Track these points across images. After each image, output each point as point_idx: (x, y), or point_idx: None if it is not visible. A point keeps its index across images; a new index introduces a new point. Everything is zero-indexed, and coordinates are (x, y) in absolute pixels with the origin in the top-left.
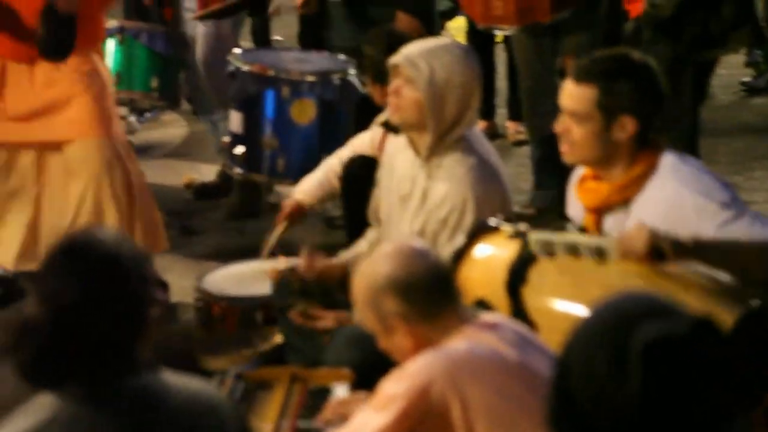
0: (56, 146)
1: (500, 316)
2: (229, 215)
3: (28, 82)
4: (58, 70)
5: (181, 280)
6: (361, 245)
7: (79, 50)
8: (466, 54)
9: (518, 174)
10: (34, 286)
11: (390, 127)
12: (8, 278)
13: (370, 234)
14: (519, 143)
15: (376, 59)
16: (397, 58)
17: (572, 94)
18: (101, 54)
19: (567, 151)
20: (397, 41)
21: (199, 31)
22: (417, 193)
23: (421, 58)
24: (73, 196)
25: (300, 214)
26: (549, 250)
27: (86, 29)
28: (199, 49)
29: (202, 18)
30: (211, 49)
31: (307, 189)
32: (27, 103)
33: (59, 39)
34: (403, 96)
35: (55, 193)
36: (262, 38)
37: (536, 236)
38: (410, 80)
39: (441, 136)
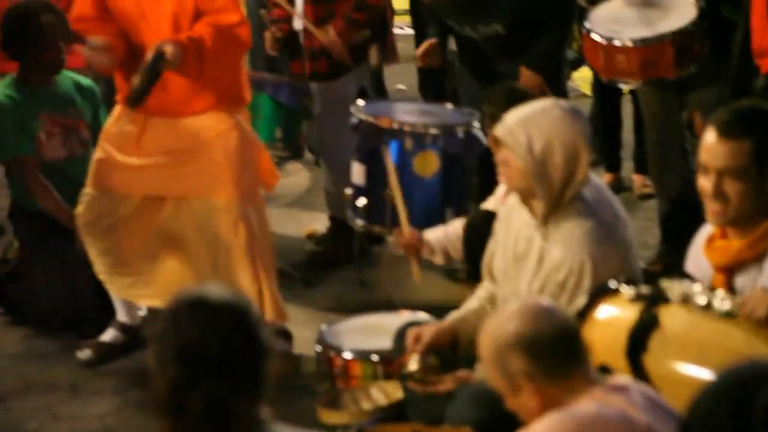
0: (191, 199)
1: (628, 378)
2: (318, 261)
3: (169, 136)
4: (198, 126)
5: (303, 332)
6: (472, 303)
7: (220, 107)
8: (566, 113)
9: (645, 228)
10: (163, 343)
11: None
12: (133, 327)
13: (481, 290)
14: (645, 197)
15: (496, 118)
16: (499, 130)
17: (723, 151)
18: (244, 113)
19: (720, 211)
20: (517, 99)
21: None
22: (533, 254)
23: (518, 127)
24: (204, 248)
25: (418, 245)
26: (682, 299)
27: (224, 86)
28: (319, 100)
29: (312, 78)
30: (331, 100)
31: (431, 232)
32: (164, 158)
33: (146, 89)
34: (509, 166)
35: (192, 243)
36: (378, 88)
37: (671, 286)
38: (512, 151)
39: (553, 200)
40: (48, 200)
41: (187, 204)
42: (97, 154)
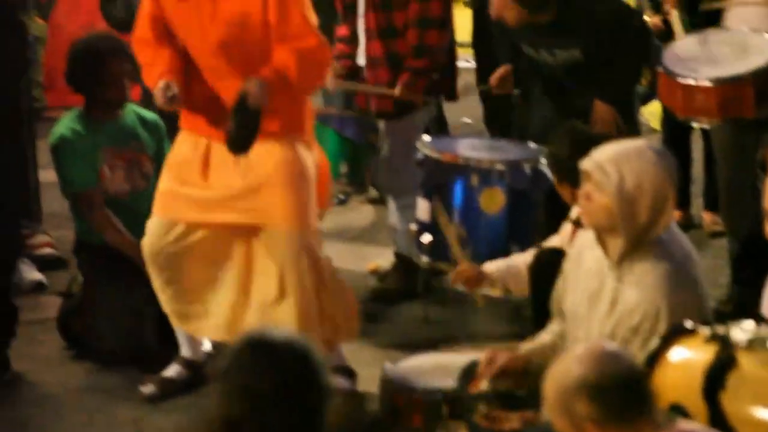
0: (254, 229)
1: (696, 424)
2: (382, 297)
3: (230, 164)
4: (260, 155)
5: (367, 370)
6: (543, 337)
7: (283, 137)
8: (659, 156)
9: (715, 267)
10: (226, 380)
11: (581, 224)
12: (197, 363)
13: (552, 326)
14: (716, 234)
15: (562, 159)
16: (587, 164)
17: None
18: (308, 142)
19: None
20: (584, 141)
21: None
22: (606, 295)
23: (610, 164)
24: (267, 277)
25: (479, 278)
26: (758, 345)
27: (289, 113)
28: (385, 137)
29: (378, 116)
30: (398, 137)
31: (492, 263)
32: (229, 184)
33: (245, 134)
34: (593, 201)
35: (255, 273)
36: (439, 122)
37: (745, 331)
38: (600, 186)
39: (633, 241)
40: (113, 233)
41: (249, 233)
42: (161, 184)
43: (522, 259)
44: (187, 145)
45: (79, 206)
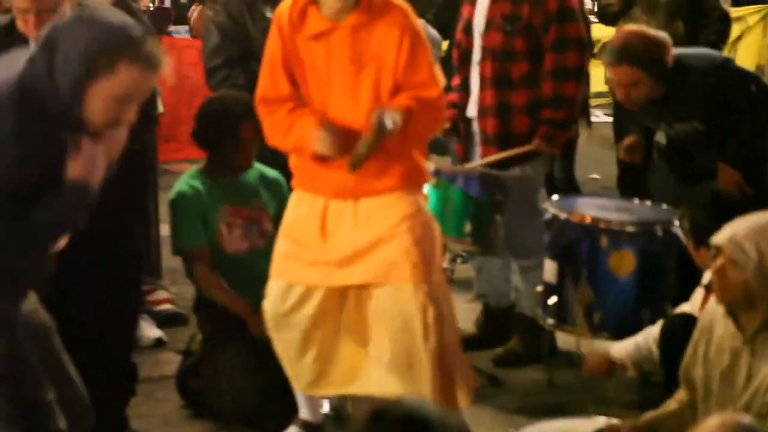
0: (372, 288)
1: None
2: (505, 360)
3: (350, 221)
4: (380, 209)
5: None
6: (670, 404)
7: (402, 189)
8: None
9: None
10: None
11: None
12: (316, 425)
13: (679, 394)
14: None
15: (697, 223)
16: (721, 239)
17: None
18: (425, 195)
19: None
20: (725, 208)
21: (507, 175)
22: (741, 370)
23: (748, 241)
24: (387, 336)
25: (607, 368)
26: None
27: (409, 164)
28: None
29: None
30: (519, 194)
31: (622, 346)
32: (348, 243)
33: (367, 155)
34: (728, 277)
35: (375, 331)
36: (568, 176)
37: None
38: (737, 264)
39: None
40: (218, 292)
41: (371, 291)
42: (279, 245)
43: (652, 337)
44: (304, 205)
45: (185, 263)
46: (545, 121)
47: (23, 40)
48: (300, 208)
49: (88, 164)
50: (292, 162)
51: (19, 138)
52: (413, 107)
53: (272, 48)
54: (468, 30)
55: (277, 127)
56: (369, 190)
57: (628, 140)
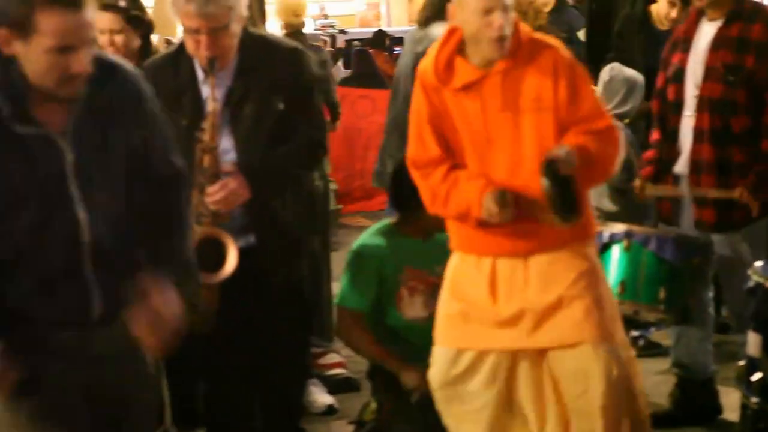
0: (550, 351)
1: None
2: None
3: (522, 281)
4: (553, 267)
5: None
6: None
7: (573, 243)
8: None
9: None
10: None
11: None
12: None
13: None
14: None
15: None
16: None
17: None
18: (595, 246)
19: None
20: None
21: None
22: None
23: None
24: (560, 408)
25: None
26: None
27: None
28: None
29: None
30: (722, 260)
31: None
32: (522, 305)
33: (570, 199)
34: None
35: (551, 396)
36: None
37: None
38: None
39: None
40: (365, 344)
41: (547, 355)
42: (443, 309)
43: None
44: (469, 267)
45: (339, 318)
46: (756, 173)
47: (190, 68)
48: (465, 270)
49: None
50: (450, 224)
51: None
52: (586, 143)
53: (417, 107)
54: (679, 78)
55: (434, 196)
56: (539, 246)
57: None
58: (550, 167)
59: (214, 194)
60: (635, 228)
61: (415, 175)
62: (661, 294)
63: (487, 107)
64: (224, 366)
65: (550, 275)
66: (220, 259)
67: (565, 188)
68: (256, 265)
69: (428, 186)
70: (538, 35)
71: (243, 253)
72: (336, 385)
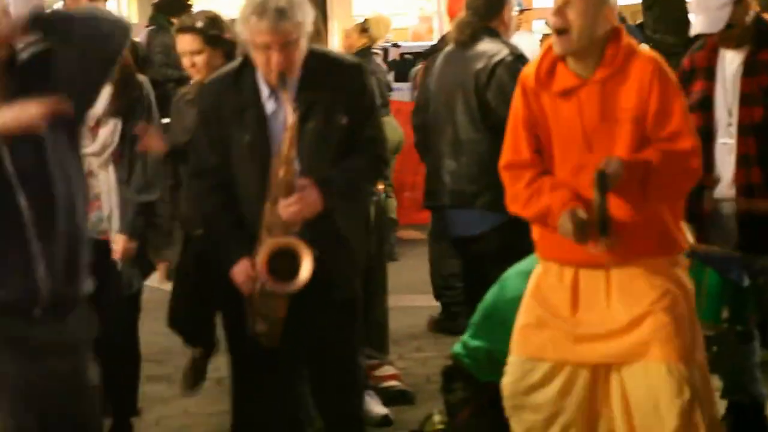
0: (624, 366)
1: None
2: None
3: (603, 294)
4: (635, 282)
5: None
6: None
7: (656, 258)
8: None
9: None
10: None
11: None
12: None
13: None
14: None
15: None
16: None
17: None
18: (684, 268)
19: None
20: None
21: None
22: None
23: None
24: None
25: None
26: None
27: (664, 227)
28: None
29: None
30: None
31: None
32: (603, 318)
33: (602, 215)
34: None
35: (620, 414)
36: None
37: None
38: None
39: None
40: None
41: (621, 371)
42: (521, 319)
43: None
44: (551, 276)
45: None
46: None
47: (252, 84)
48: (546, 278)
49: None
50: (535, 231)
51: None
52: (654, 159)
53: (515, 110)
54: (706, 106)
55: (516, 198)
56: (621, 258)
57: None
58: (602, 180)
59: (290, 206)
60: (698, 246)
61: (506, 179)
62: (724, 314)
63: (584, 114)
64: (284, 377)
65: (633, 291)
66: (292, 270)
67: (604, 203)
68: (317, 277)
69: (513, 191)
70: (638, 46)
71: None
72: (391, 397)
